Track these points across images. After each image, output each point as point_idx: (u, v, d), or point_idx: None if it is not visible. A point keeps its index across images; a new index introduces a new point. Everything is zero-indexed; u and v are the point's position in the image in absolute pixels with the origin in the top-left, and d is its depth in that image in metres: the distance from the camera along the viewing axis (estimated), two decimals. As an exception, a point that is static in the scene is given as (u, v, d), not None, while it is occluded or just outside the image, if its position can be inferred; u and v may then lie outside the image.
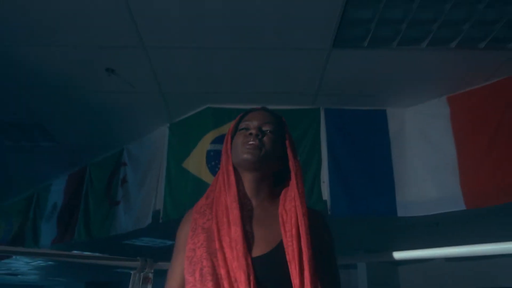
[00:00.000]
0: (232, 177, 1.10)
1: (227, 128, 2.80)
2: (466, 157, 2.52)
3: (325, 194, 2.65)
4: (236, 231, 1.00)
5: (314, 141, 2.79)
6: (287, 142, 1.16)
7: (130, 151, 3.45)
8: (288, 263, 0.98)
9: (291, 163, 1.12)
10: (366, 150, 2.79)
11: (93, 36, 2.15)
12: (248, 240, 1.02)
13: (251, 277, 0.93)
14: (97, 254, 1.67)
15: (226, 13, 1.98)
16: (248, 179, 1.13)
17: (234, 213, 1.03)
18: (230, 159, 1.14)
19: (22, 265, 6.73)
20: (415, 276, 4.99)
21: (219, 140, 2.79)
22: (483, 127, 2.51)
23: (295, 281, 0.94)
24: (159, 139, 3.18)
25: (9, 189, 4.89)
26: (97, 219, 3.57)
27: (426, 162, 2.65)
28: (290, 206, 1.06)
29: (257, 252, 1.00)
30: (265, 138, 1.11)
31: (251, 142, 1.09)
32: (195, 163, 2.85)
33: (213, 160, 2.76)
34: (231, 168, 1.12)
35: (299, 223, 1.02)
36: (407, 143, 2.77)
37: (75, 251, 4.87)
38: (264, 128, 1.13)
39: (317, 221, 1.11)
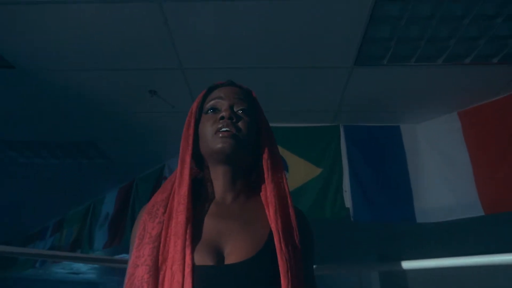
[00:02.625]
0: (187, 172, 0.74)
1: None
2: (481, 167, 2.21)
3: (348, 202, 2.36)
4: (176, 246, 0.66)
5: (335, 155, 2.53)
6: (260, 121, 0.82)
7: (171, 166, 3.25)
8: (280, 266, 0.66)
9: (264, 156, 0.78)
10: (383, 162, 2.50)
11: (137, 61, 1.97)
12: (219, 245, 0.69)
13: None
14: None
15: (255, 35, 1.77)
16: (221, 172, 0.78)
17: (178, 220, 0.68)
18: (190, 147, 0.78)
19: (82, 265, 6.56)
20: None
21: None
22: (495, 139, 2.20)
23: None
24: (196, 155, 2.97)
25: (73, 201, 4.75)
26: (142, 225, 3.36)
27: (442, 172, 2.34)
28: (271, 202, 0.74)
29: (232, 259, 0.68)
30: (240, 123, 0.77)
31: (224, 129, 0.74)
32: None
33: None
34: (188, 159, 0.77)
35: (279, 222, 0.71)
36: (421, 155, 2.48)
37: (127, 256, 4.66)
38: (236, 108, 0.79)
39: (303, 224, 0.79)
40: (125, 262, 1.73)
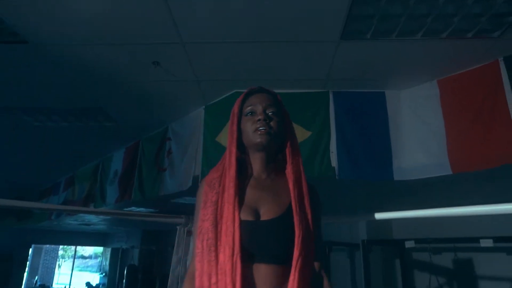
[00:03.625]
0: (234, 159, 1.03)
1: (251, 109, 2.80)
2: (453, 130, 2.42)
3: (334, 162, 2.60)
4: (228, 208, 0.95)
5: (324, 119, 2.73)
6: (285, 119, 1.10)
7: (173, 128, 3.46)
8: (295, 225, 0.95)
9: (288, 143, 1.07)
10: (368, 125, 2.71)
11: (141, 37, 2.12)
12: (257, 208, 0.99)
13: (236, 243, 0.91)
14: (151, 213, 1.69)
15: (248, 11, 1.91)
16: (258, 157, 1.07)
17: (229, 192, 0.98)
18: (234, 140, 1.07)
19: (94, 217, 6.99)
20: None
21: (245, 119, 2.76)
22: (469, 104, 2.39)
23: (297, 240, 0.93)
24: (196, 118, 3.17)
25: (81, 160, 5.02)
26: (148, 182, 3.63)
27: (419, 134, 2.56)
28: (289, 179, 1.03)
29: (265, 217, 0.97)
30: (272, 123, 1.05)
31: (261, 128, 1.03)
32: (226, 137, 2.82)
33: (241, 135, 2.74)
34: (234, 149, 1.05)
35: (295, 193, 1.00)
36: (402, 120, 2.68)
37: (135, 209, 5.02)
38: (268, 111, 1.06)
39: (313, 194, 1.07)
40: (134, 214, 2.00)
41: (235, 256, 0.89)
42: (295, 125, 2.73)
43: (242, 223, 0.94)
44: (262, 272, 0.92)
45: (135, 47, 2.23)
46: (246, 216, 0.96)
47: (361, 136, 2.69)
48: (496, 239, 3.41)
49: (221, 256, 0.91)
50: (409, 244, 4.01)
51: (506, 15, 1.90)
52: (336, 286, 4.65)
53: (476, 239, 3.48)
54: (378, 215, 1.77)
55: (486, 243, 3.41)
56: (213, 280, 0.90)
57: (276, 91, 2.84)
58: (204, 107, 3.09)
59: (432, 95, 2.57)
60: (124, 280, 8.48)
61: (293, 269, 0.90)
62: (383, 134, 2.67)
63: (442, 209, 1.48)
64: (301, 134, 2.70)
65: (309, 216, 0.99)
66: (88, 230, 10.40)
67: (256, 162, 1.08)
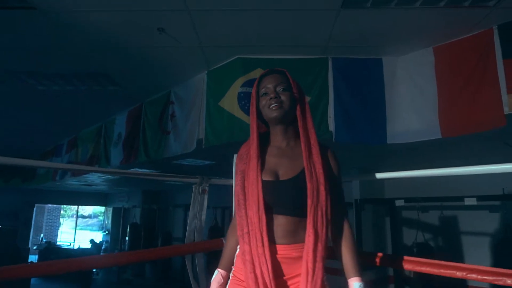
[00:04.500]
0: (255, 135, 1.22)
1: (253, 74, 2.88)
2: (445, 96, 2.55)
3: (331, 126, 2.74)
4: (253, 175, 1.16)
5: (323, 84, 2.83)
6: (294, 92, 1.25)
7: (177, 92, 3.54)
8: (308, 184, 1.12)
9: (298, 112, 1.23)
10: (364, 91, 2.82)
11: (148, 3, 2.17)
12: (276, 171, 1.19)
13: (260, 200, 1.11)
14: (169, 174, 1.84)
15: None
16: (278, 129, 1.25)
17: (253, 161, 1.18)
18: (255, 118, 1.25)
19: (96, 178, 7.18)
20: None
21: (247, 84, 2.86)
22: (461, 71, 2.49)
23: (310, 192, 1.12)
24: (199, 83, 3.25)
25: (83, 122, 5.11)
26: (153, 145, 3.77)
27: (412, 101, 2.68)
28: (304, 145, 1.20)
29: (283, 177, 1.17)
30: (283, 97, 1.21)
31: (273, 104, 1.20)
32: (229, 102, 2.94)
33: (243, 100, 2.85)
34: (255, 126, 1.24)
35: (308, 156, 1.17)
36: (397, 86, 2.79)
37: (138, 170, 5.17)
38: (278, 89, 1.23)
39: (327, 154, 1.25)
40: (152, 175, 2.16)
41: (260, 210, 1.11)
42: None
43: (264, 183, 1.15)
44: (282, 221, 1.13)
45: (141, 13, 2.27)
46: (268, 178, 1.17)
47: (358, 101, 2.81)
48: (479, 198, 3.66)
49: (249, 211, 1.14)
50: (399, 203, 4.27)
51: (502, -15, 1.97)
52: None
53: (461, 198, 3.73)
54: (371, 176, 1.94)
55: (470, 201, 3.66)
56: (245, 230, 1.13)
57: (277, 57, 2.92)
58: (207, 72, 3.17)
59: (427, 61, 2.66)
60: (127, 238, 8.87)
61: (308, 215, 1.10)
62: (379, 100, 2.80)
63: (430, 170, 1.64)
64: (301, 99, 2.81)
65: (321, 173, 1.15)
66: (90, 190, 10.67)
67: (277, 133, 1.26)
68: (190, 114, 3.29)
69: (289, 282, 1.11)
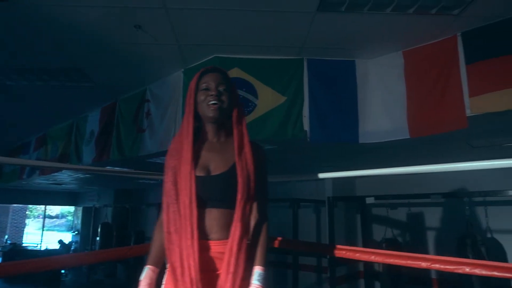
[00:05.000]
0: (191, 128, 1.23)
1: (230, 73, 2.89)
2: (413, 98, 2.67)
3: (306, 125, 2.82)
4: (185, 170, 1.18)
5: (298, 84, 2.90)
6: (233, 94, 1.28)
7: (152, 90, 3.51)
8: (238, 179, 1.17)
9: (234, 114, 1.27)
10: (338, 92, 2.91)
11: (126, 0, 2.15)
12: (208, 166, 1.22)
13: (193, 193, 1.14)
14: (143, 172, 1.83)
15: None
16: (211, 127, 1.28)
17: (187, 156, 1.20)
18: (192, 111, 1.25)
19: (66, 177, 6.96)
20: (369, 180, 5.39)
21: (224, 83, 2.87)
22: (428, 74, 2.63)
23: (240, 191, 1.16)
24: (175, 81, 3.24)
25: (53, 119, 4.95)
26: (127, 143, 3.72)
27: (383, 102, 2.80)
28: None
29: (214, 172, 1.21)
30: (223, 97, 1.24)
31: (212, 102, 1.22)
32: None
33: (220, 99, 2.86)
34: (191, 120, 1.24)
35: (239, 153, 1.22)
36: (369, 87, 2.90)
37: (110, 168, 5.05)
38: (220, 88, 1.24)
39: (257, 152, 1.28)
40: (132, 173, 2.14)
41: (192, 204, 1.14)
42: (271, 90, 2.92)
43: (197, 178, 1.18)
44: (214, 215, 1.18)
45: (118, 9, 2.25)
46: (200, 173, 1.20)
47: (331, 101, 2.90)
48: (444, 195, 3.86)
49: (181, 206, 1.15)
50: (369, 200, 4.43)
51: (465, -5, 2.10)
52: (304, 238, 5.06)
53: (427, 195, 3.92)
54: (342, 173, 2.03)
55: (436, 198, 3.85)
56: (177, 225, 1.15)
57: (254, 57, 2.96)
58: (183, 70, 3.16)
59: (397, 64, 2.79)
60: (98, 237, 8.64)
61: (237, 208, 1.15)
62: (351, 100, 2.90)
63: (398, 168, 1.74)
64: (277, 99, 2.88)
65: (252, 169, 1.21)
66: (59, 189, 10.32)
67: (210, 130, 1.29)
68: (166, 112, 3.27)
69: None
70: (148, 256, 1.27)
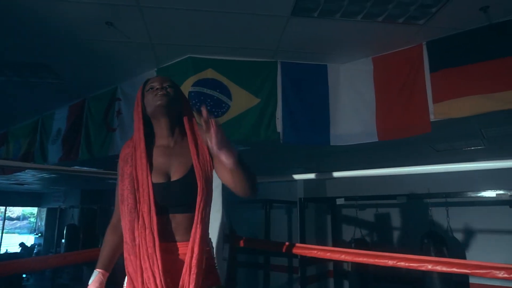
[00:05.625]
0: (142, 134, 1.22)
1: (204, 74, 2.90)
2: (382, 102, 2.78)
3: (279, 127, 2.86)
4: (143, 176, 1.16)
5: (272, 86, 2.94)
6: (182, 97, 1.29)
7: (124, 89, 3.44)
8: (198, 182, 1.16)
9: (185, 118, 1.27)
10: (310, 95, 2.97)
11: (96, -5, 2.10)
12: (167, 171, 1.19)
13: (151, 202, 1.13)
14: (113, 172, 1.79)
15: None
16: (163, 124, 1.24)
17: (142, 162, 1.18)
18: (141, 118, 1.24)
19: (29, 177, 6.66)
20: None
21: (198, 83, 2.87)
22: (395, 80, 2.74)
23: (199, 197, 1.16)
24: (148, 80, 3.18)
25: (16, 116, 4.72)
26: (97, 142, 3.62)
27: (353, 106, 2.89)
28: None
29: (174, 178, 1.19)
30: (168, 89, 1.24)
31: (160, 93, 1.21)
32: (179, 101, 2.91)
33: (194, 99, 2.85)
34: (141, 126, 1.23)
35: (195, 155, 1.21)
36: (340, 91, 2.98)
37: (77, 168, 4.89)
38: (164, 85, 1.24)
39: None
40: (105, 173, 2.09)
41: (151, 212, 1.12)
42: (245, 92, 2.94)
43: (155, 185, 1.16)
44: (177, 220, 1.17)
45: (89, 5, 2.19)
46: (159, 179, 1.18)
47: (304, 104, 2.96)
48: (410, 196, 4.03)
49: (140, 215, 1.13)
50: (339, 201, 4.54)
51: (431, 6, 2.21)
52: (275, 239, 5.11)
53: (394, 196, 4.07)
54: (313, 175, 2.08)
55: (401, 199, 4.01)
56: (136, 233, 1.12)
57: (228, 58, 2.97)
58: (156, 69, 3.11)
59: (367, 70, 2.88)
60: (63, 240, 8.32)
61: (197, 211, 1.15)
62: (323, 103, 2.97)
63: (368, 170, 1.80)
64: (250, 100, 2.90)
65: (210, 171, 1.21)
66: (21, 189, 9.84)
67: (162, 129, 1.25)
68: (138, 112, 3.20)
69: None
70: (98, 259, 1.25)
